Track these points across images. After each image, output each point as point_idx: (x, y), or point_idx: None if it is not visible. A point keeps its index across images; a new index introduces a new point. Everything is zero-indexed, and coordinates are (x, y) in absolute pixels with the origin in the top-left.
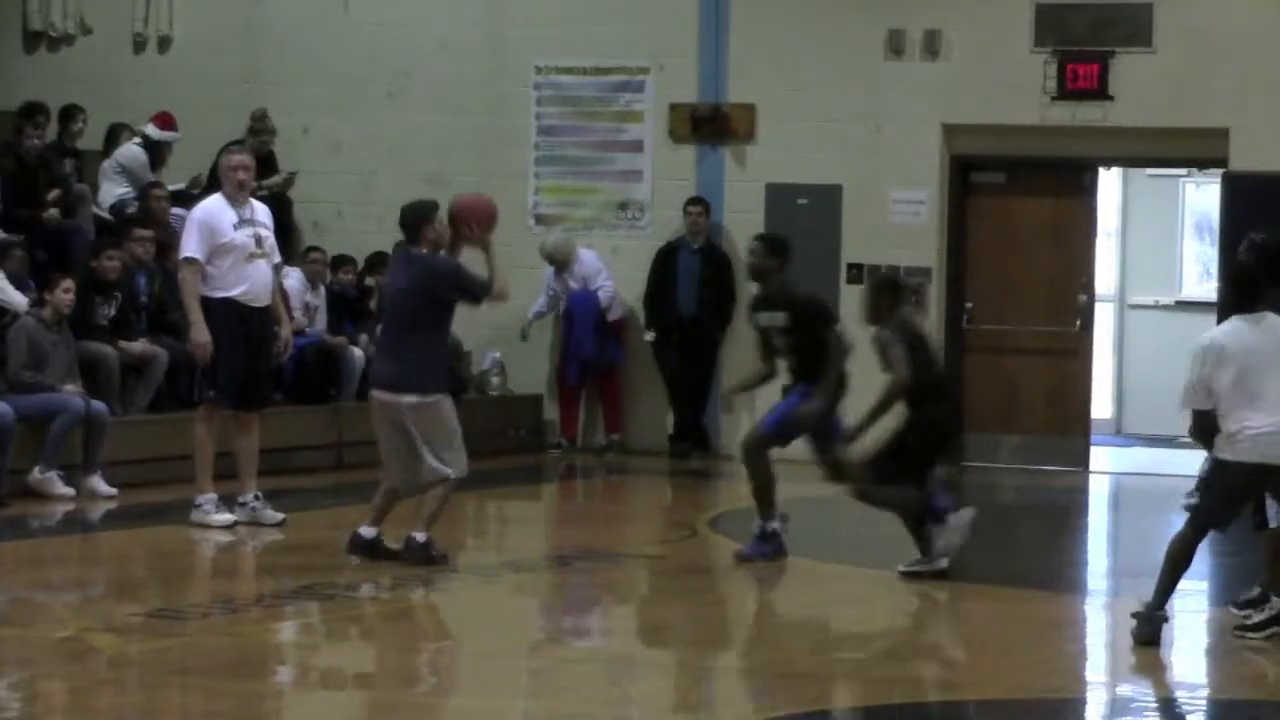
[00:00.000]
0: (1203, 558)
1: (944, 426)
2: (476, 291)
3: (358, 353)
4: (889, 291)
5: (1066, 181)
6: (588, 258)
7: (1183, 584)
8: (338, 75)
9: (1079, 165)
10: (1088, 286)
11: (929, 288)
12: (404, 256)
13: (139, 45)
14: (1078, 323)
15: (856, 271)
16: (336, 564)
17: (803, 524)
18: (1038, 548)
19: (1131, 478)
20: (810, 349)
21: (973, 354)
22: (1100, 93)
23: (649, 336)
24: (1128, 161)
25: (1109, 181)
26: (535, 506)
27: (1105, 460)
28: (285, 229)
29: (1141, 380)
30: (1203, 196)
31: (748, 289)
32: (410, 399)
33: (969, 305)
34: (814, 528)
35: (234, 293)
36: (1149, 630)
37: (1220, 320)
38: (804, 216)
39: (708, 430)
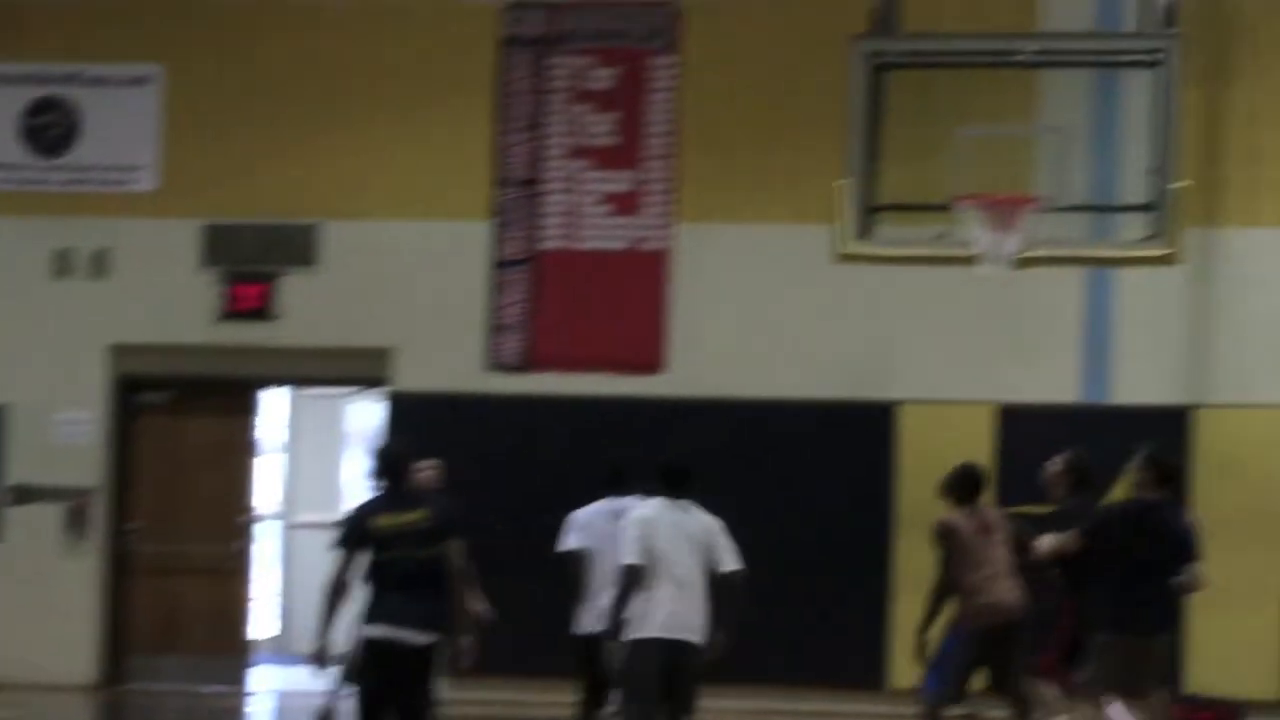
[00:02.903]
0: None
1: None
2: None
3: None
4: None
5: (234, 401)
6: None
7: None
8: None
9: (246, 384)
10: (250, 505)
11: (91, 509)
12: None
13: None
14: (240, 542)
15: (24, 493)
16: None
17: None
18: None
19: (291, 696)
20: None
21: (138, 576)
22: (266, 313)
23: None
24: (294, 381)
25: (276, 400)
26: None
27: (267, 680)
28: None
29: (306, 599)
30: (368, 414)
31: None
32: None
33: (134, 525)
34: None
35: None
36: None
37: None
38: None
39: None
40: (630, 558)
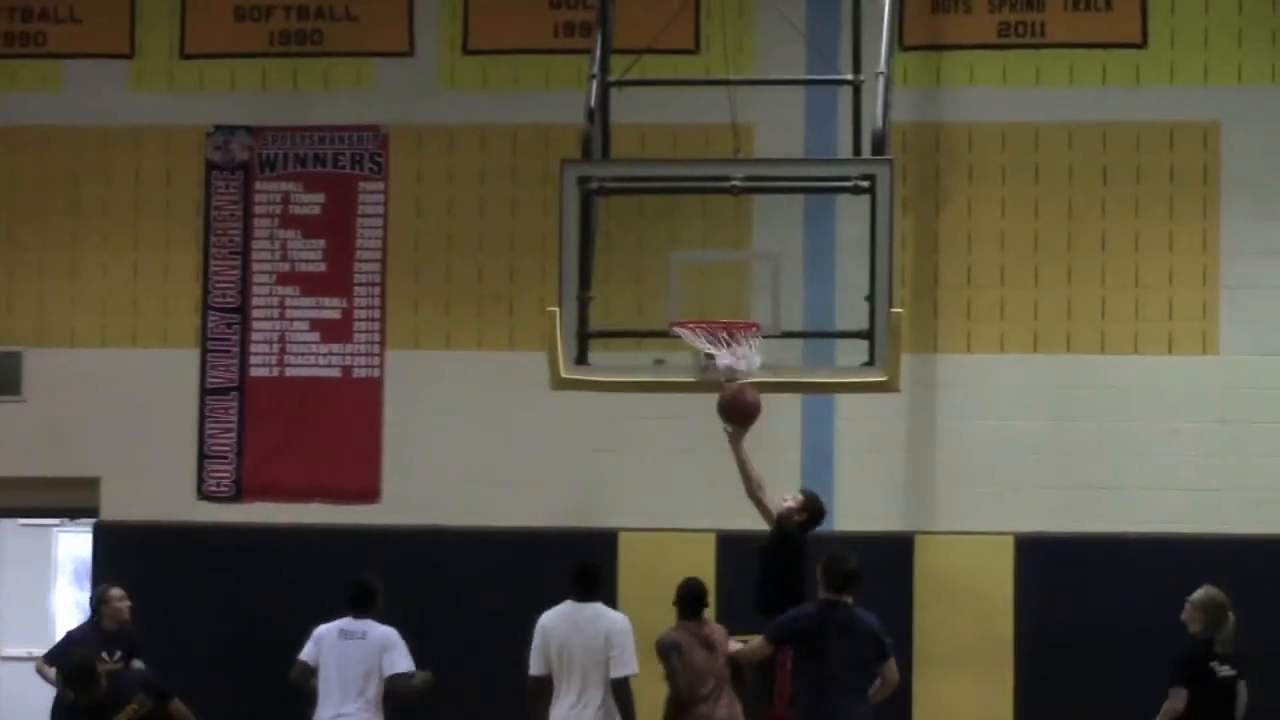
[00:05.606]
0: None
1: None
2: None
3: None
4: None
5: None
6: None
7: None
8: None
9: None
10: None
11: None
12: None
13: None
14: None
15: None
16: None
17: None
18: None
19: None
20: None
21: None
22: None
23: None
24: (0, 512)
25: None
26: None
27: None
28: None
29: None
30: (78, 544)
31: None
32: None
33: None
34: None
35: None
36: None
37: None
38: None
39: None
40: (533, 669)
